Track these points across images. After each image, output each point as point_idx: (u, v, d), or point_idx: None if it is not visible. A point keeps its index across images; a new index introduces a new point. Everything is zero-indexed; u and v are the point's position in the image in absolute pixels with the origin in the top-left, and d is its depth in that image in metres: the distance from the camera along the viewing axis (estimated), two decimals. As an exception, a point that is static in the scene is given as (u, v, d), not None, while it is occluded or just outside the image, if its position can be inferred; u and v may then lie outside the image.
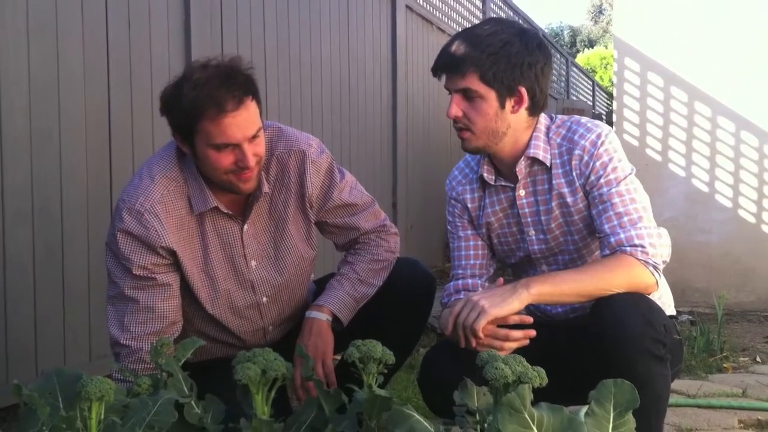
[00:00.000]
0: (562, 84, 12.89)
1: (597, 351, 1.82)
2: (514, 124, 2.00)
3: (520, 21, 9.42)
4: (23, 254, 2.59)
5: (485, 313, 1.83)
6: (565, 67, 13.12)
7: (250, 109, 1.92)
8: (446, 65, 1.99)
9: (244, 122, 1.90)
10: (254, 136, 1.93)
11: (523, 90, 1.97)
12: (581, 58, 25.60)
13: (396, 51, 5.54)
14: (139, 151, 2.99)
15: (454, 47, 1.98)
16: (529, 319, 1.89)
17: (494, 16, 8.01)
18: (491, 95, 1.95)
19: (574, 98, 13.65)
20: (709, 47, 5.09)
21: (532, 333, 1.89)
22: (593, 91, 16.60)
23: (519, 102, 1.98)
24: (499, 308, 1.84)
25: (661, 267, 1.94)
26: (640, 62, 5.25)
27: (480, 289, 2.12)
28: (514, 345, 1.87)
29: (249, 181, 1.97)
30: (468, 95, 1.97)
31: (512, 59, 1.94)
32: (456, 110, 1.98)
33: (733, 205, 5.12)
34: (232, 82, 1.89)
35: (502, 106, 1.97)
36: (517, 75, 1.95)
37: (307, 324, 2.12)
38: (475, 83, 1.95)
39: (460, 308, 1.88)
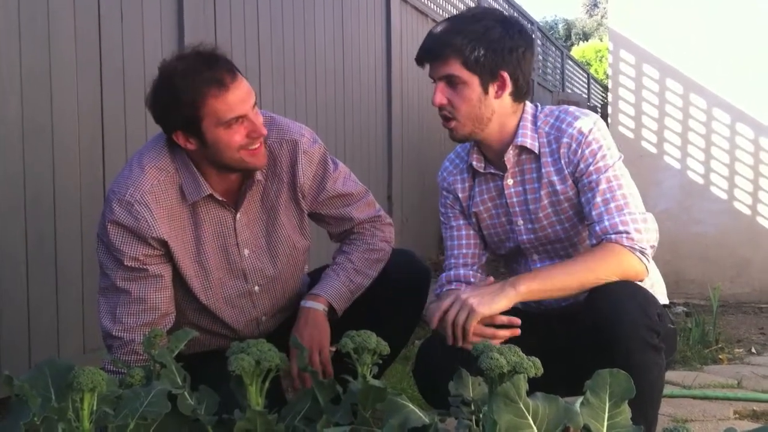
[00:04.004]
0: (557, 77, 12.88)
1: (592, 340, 1.82)
2: (498, 110, 2.01)
3: (515, 13, 9.41)
4: (15, 246, 2.57)
5: (474, 312, 1.85)
6: (560, 60, 13.11)
7: (244, 80, 1.96)
8: (429, 53, 2.01)
9: (243, 93, 1.93)
10: (254, 106, 1.97)
11: (506, 74, 1.98)
12: (576, 51, 25.62)
13: (390, 43, 5.52)
14: (132, 141, 2.98)
15: (435, 35, 2.01)
16: (517, 321, 1.89)
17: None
18: (474, 81, 1.97)
19: (569, 91, 13.64)
20: (704, 39, 5.08)
21: (517, 332, 1.89)
22: (588, 83, 16.60)
23: (502, 87, 1.99)
24: (488, 307, 1.86)
25: (650, 252, 1.94)
26: (635, 54, 5.23)
27: (472, 279, 2.12)
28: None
29: (260, 156, 1.99)
30: (451, 82, 1.98)
31: (493, 44, 1.95)
32: (440, 98, 2.00)
33: (728, 196, 5.12)
34: (218, 61, 1.93)
35: (486, 91, 1.98)
36: (499, 60, 1.96)
37: (302, 314, 2.11)
38: (457, 69, 1.96)
39: (449, 305, 1.89)
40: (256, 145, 1.96)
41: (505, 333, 1.88)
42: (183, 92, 1.88)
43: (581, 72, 16.11)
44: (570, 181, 2.02)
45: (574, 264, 1.94)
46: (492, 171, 2.10)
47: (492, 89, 1.98)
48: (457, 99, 1.98)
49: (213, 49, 1.97)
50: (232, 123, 1.91)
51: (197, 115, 1.90)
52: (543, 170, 2.03)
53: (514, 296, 1.87)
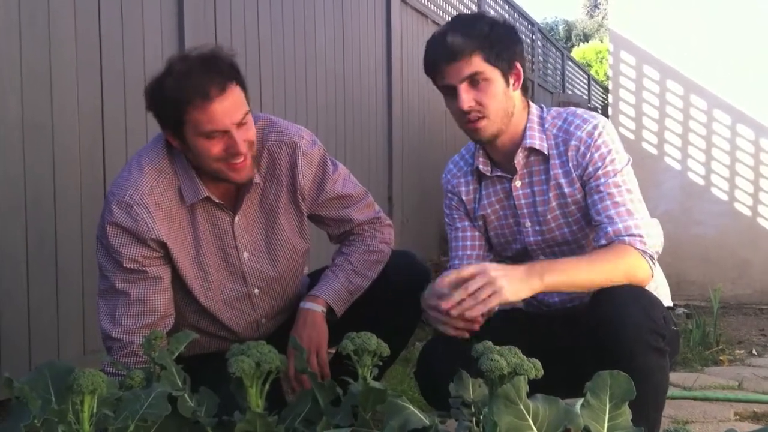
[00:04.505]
0: (558, 78, 12.87)
1: (596, 343, 1.82)
2: (517, 104, 2.02)
3: (516, 14, 9.41)
4: (16, 246, 2.57)
5: (500, 296, 1.77)
6: (560, 61, 13.10)
7: (235, 94, 1.91)
8: (447, 56, 1.96)
9: (230, 107, 1.89)
10: (242, 122, 1.92)
11: (519, 65, 2.00)
12: (577, 52, 25.62)
13: (391, 44, 5.52)
14: (132, 142, 2.98)
15: (448, 39, 1.96)
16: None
17: (489, 9, 7.98)
18: (497, 74, 1.97)
19: (570, 92, 13.64)
20: (705, 40, 5.09)
21: (475, 328, 1.84)
22: (589, 84, 16.60)
23: (518, 78, 2.01)
24: (514, 295, 1.80)
25: (656, 258, 1.94)
26: (636, 55, 5.24)
27: None
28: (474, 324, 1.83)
29: (242, 171, 1.96)
30: (474, 81, 1.96)
31: (503, 38, 1.98)
32: (468, 100, 1.95)
33: (729, 197, 5.12)
34: (214, 70, 1.89)
35: (507, 83, 1.99)
36: (512, 52, 1.99)
37: (301, 315, 2.11)
38: (481, 65, 1.95)
39: (473, 274, 1.79)
40: (238, 160, 1.93)
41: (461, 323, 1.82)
42: (171, 93, 1.88)
43: (582, 73, 16.11)
44: (578, 184, 2.01)
45: (594, 261, 1.90)
46: (499, 174, 2.10)
47: (511, 81, 2.00)
48: (485, 97, 1.96)
49: (222, 54, 1.94)
50: (211, 135, 1.90)
51: (180, 119, 1.90)
52: (551, 172, 2.03)
53: (538, 287, 1.82)
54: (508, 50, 1.97)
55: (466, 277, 1.79)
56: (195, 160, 1.97)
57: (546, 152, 2.03)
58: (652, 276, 1.94)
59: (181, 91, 1.86)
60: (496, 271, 1.79)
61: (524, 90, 2.05)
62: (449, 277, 1.81)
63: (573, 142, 2.00)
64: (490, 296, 1.77)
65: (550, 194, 2.03)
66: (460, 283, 1.79)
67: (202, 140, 1.91)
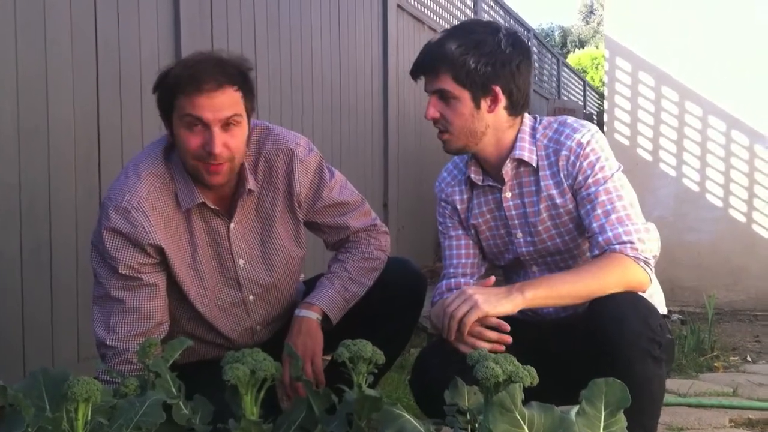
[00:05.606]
0: (553, 84, 12.90)
1: (593, 350, 1.81)
2: (493, 124, 2.00)
3: (511, 21, 9.42)
4: (11, 253, 2.56)
5: (477, 308, 1.83)
6: (556, 67, 13.13)
7: (232, 97, 1.91)
8: (421, 67, 2.01)
9: (218, 104, 1.89)
10: (227, 122, 1.91)
11: (498, 89, 1.97)
12: (572, 59, 25.65)
13: (387, 50, 5.53)
14: (128, 149, 2.97)
15: (428, 50, 2.01)
16: (506, 327, 1.87)
17: (485, 15, 8.00)
18: (465, 95, 1.96)
19: (565, 98, 13.66)
20: (700, 47, 5.10)
21: (508, 339, 1.86)
22: (584, 91, 16.63)
23: (495, 101, 1.98)
24: (492, 307, 1.84)
25: (652, 262, 1.94)
26: (631, 62, 5.25)
27: None
28: (486, 346, 1.83)
29: (215, 175, 1.95)
30: (443, 96, 1.98)
31: (484, 58, 1.95)
32: (433, 112, 2.00)
33: (724, 204, 5.13)
34: (218, 69, 1.91)
35: (477, 106, 1.98)
36: (490, 74, 1.95)
37: (296, 322, 2.11)
38: (448, 84, 1.96)
39: (453, 298, 1.87)
40: (213, 162, 1.92)
41: (492, 335, 1.86)
42: (171, 79, 1.91)
43: (577, 79, 16.14)
44: (569, 195, 2.01)
45: (580, 273, 1.92)
46: (490, 183, 2.10)
47: (484, 104, 1.98)
48: (450, 113, 1.99)
49: (240, 62, 1.96)
50: (192, 124, 1.90)
51: (170, 104, 1.92)
52: (542, 183, 2.03)
53: (520, 302, 1.86)
54: (486, 72, 1.94)
55: (449, 302, 1.87)
56: (179, 154, 1.98)
57: (534, 164, 2.03)
58: (651, 280, 1.94)
59: (180, 77, 1.89)
60: (472, 289, 1.88)
61: (514, 109, 2.01)
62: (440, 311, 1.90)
63: (563, 152, 2.00)
64: (467, 312, 1.83)
65: (541, 205, 2.04)
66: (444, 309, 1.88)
67: (183, 130, 1.92)
